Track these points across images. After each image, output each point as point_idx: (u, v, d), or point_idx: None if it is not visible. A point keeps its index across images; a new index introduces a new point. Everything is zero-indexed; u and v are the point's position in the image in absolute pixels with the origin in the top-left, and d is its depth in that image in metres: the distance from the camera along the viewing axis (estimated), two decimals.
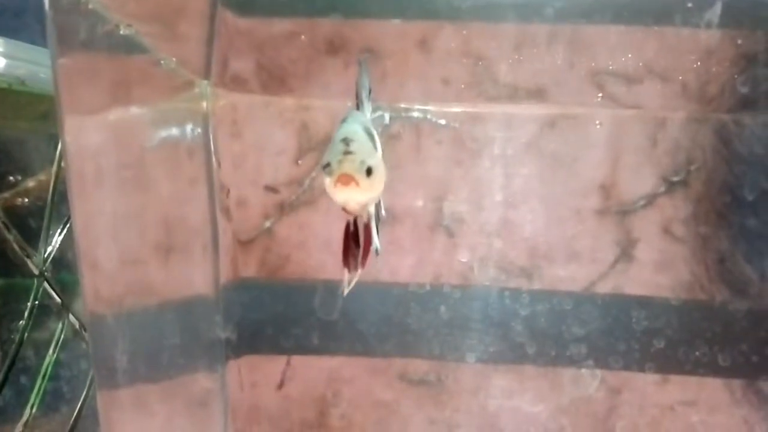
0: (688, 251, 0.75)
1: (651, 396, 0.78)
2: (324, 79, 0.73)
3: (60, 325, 0.81)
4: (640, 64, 0.71)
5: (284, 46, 0.72)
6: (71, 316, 0.82)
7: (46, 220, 0.79)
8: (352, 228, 0.54)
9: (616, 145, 0.74)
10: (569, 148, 0.75)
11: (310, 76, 0.74)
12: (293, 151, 0.77)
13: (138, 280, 0.69)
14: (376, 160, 0.49)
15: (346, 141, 0.48)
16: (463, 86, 0.74)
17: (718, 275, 0.75)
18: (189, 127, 0.73)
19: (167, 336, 0.73)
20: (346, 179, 0.46)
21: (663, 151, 0.74)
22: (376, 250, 0.55)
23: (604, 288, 0.77)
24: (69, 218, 0.77)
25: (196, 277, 0.76)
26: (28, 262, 0.76)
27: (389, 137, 0.75)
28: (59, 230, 0.81)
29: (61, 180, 0.79)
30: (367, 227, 0.54)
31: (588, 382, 0.78)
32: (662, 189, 0.74)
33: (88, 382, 0.81)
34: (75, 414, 0.80)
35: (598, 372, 0.78)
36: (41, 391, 0.76)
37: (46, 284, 0.78)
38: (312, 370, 0.81)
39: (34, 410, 0.75)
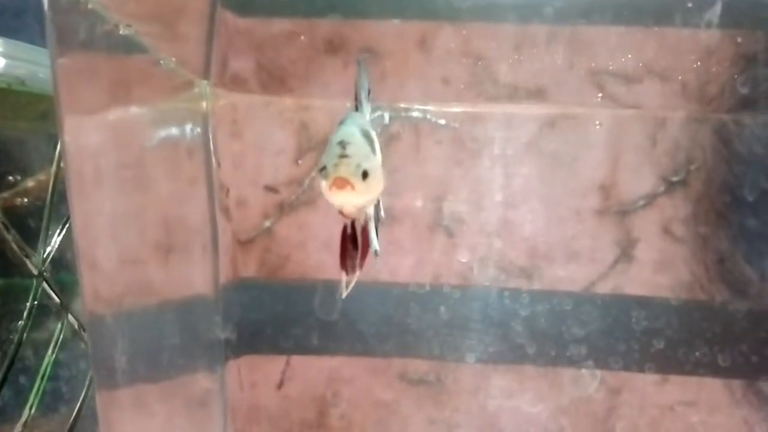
0: (687, 251, 0.75)
1: (651, 396, 0.78)
2: (324, 78, 0.73)
3: (59, 325, 0.80)
4: (640, 64, 0.71)
5: (284, 46, 0.72)
6: (70, 316, 0.81)
7: (45, 220, 0.79)
8: (350, 230, 0.53)
9: (616, 145, 0.74)
10: (569, 148, 0.75)
11: (310, 75, 0.74)
12: (293, 151, 0.77)
13: (137, 280, 0.69)
14: (373, 163, 0.49)
15: (342, 144, 0.48)
16: (462, 86, 0.73)
17: (718, 275, 0.75)
18: (189, 127, 0.73)
19: (167, 336, 0.73)
20: (341, 183, 0.46)
21: (663, 151, 0.74)
22: (375, 252, 0.55)
23: (604, 288, 0.76)
24: (68, 218, 0.77)
25: (195, 277, 0.76)
26: (27, 262, 0.76)
27: (389, 137, 0.75)
28: (58, 230, 0.81)
29: (60, 180, 0.79)
30: (365, 229, 0.54)
31: (588, 383, 0.78)
32: (662, 189, 0.74)
33: (87, 383, 0.81)
34: (74, 414, 0.80)
35: (598, 372, 0.78)
36: (40, 392, 0.76)
37: (45, 284, 0.78)
38: (312, 370, 0.81)
39: (33, 410, 0.75)
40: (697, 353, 0.75)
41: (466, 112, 0.75)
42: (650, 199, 0.75)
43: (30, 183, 0.79)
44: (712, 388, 0.76)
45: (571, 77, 0.72)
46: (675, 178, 0.74)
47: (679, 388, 0.77)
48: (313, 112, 0.76)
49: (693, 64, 0.70)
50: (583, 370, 0.78)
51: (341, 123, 0.52)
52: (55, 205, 0.80)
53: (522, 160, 0.75)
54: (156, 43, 0.67)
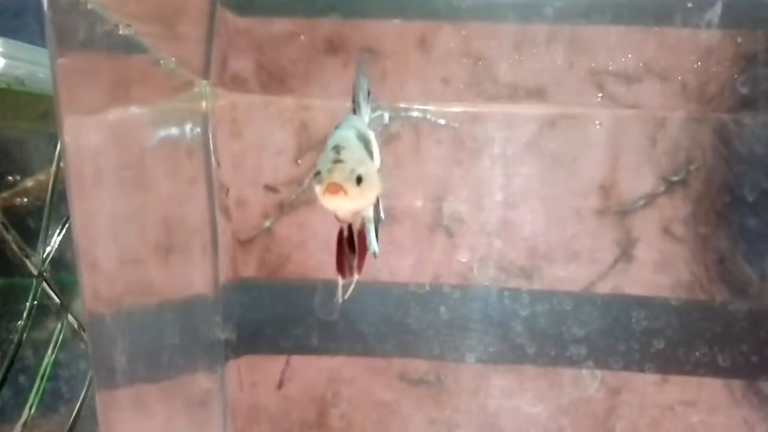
0: (687, 251, 0.75)
1: (651, 396, 0.78)
2: (323, 78, 0.73)
3: (59, 326, 0.80)
4: (640, 63, 0.71)
5: (284, 46, 0.72)
6: (70, 316, 0.81)
7: (45, 220, 0.79)
8: (346, 233, 0.53)
9: (616, 144, 0.74)
10: (569, 147, 0.75)
11: (310, 75, 0.74)
12: (293, 151, 0.76)
13: (137, 280, 0.69)
14: (368, 167, 0.49)
15: (336, 149, 0.48)
16: (462, 86, 0.73)
17: (718, 275, 0.75)
18: (188, 127, 0.73)
19: (166, 336, 0.73)
20: (334, 188, 0.46)
21: (663, 151, 0.74)
22: (374, 253, 0.55)
23: (604, 288, 0.76)
24: (68, 218, 0.77)
25: (195, 277, 0.76)
26: (27, 262, 0.76)
27: (389, 137, 0.75)
28: (58, 230, 0.81)
29: (60, 180, 0.79)
30: (362, 233, 0.53)
31: (588, 383, 0.78)
32: (662, 189, 0.74)
33: (87, 383, 0.81)
34: (74, 414, 0.80)
35: (598, 372, 0.78)
36: (40, 392, 0.76)
37: (45, 284, 0.78)
38: (312, 370, 0.81)
39: (32, 410, 0.75)
40: (697, 353, 0.75)
41: (466, 112, 0.75)
42: (650, 199, 0.75)
43: (30, 183, 0.79)
44: (712, 388, 0.76)
45: (571, 77, 0.72)
46: (675, 178, 0.74)
47: (679, 388, 0.77)
48: (313, 111, 0.76)
49: (693, 64, 0.70)
50: (583, 370, 0.78)
51: (337, 127, 0.52)
52: (54, 205, 0.80)
53: (522, 160, 0.75)
54: (156, 43, 0.67)
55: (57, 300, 0.80)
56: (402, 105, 0.75)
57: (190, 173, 0.74)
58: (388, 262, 0.78)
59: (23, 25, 0.76)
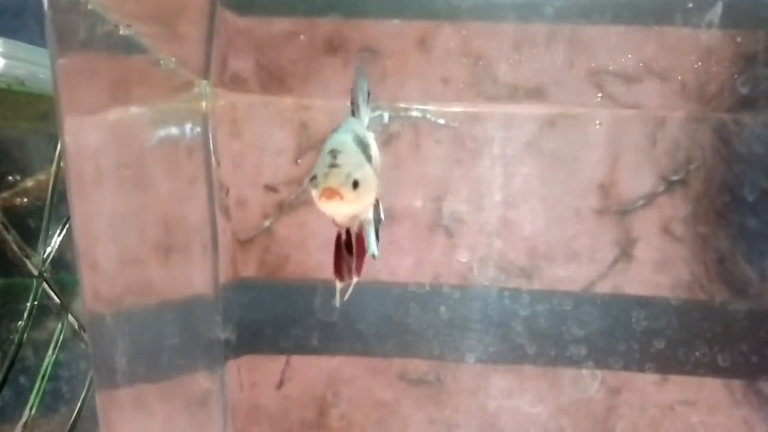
0: (687, 251, 0.75)
1: (651, 396, 0.78)
2: (323, 78, 0.73)
3: (59, 326, 0.80)
4: (640, 63, 0.71)
5: (284, 46, 0.72)
6: (70, 317, 0.81)
7: (45, 221, 0.79)
8: (344, 236, 0.53)
9: (616, 144, 0.74)
10: (569, 147, 0.75)
11: (310, 75, 0.74)
12: (292, 151, 0.77)
13: (137, 280, 0.69)
14: (364, 171, 0.48)
15: (333, 153, 0.48)
16: (462, 86, 0.73)
17: (718, 275, 0.75)
18: (188, 127, 0.73)
19: (167, 336, 0.73)
20: (330, 193, 0.46)
21: (662, 151, 0.74)
22: (373, 255, 0.55)
23: (604, 288, 0.76)
24: (68, 218, 0.77)
25: (195, 277, 0.76)
26: (27, 262, 0.76)
27: (388, 137, 0.75)
28: (58, 230, 0.81)
29: (60, 180, 0.79)
30: (359, 236, 0.53)
31: (588, 383, 0.78)
32: (662, 188, 0.74)
33: (87, 383, 0.81)
34: (74, 414, 0.80)
35: (598, 372, 0.78)
36: (40, 392, 0.76)
37: (45, 284, 0.78)
38: (312, 370, 0.81)
39: (33, 411, 0.75)
40: (697, 353, 0.75)
41: (465, 112, 0.75)
42: (650, 199, 0.75)
43: (30, 183, 0.79)
44: (712, 388, 0.76)
45: (571, 77, 0.72)
46: (675, 178, 0.74)
47: (679, 388, 0.77)
48: (313, 111, 0.76)
49: (693, 64, 0.70)
50: (583, 370, 0.78)
51: (335, 130, 0.52)
52: (55, 205, 0.80)
53: (522, 160, 0.75)
54: (156, 43, 0.67)
55: (57, 300, 0.80)
56: (402, 105, 0.75)
57: (190, 173, 0.74)
58: (388, 262, 0.78)
59: (23, 25, 0.76)
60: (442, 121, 0.75)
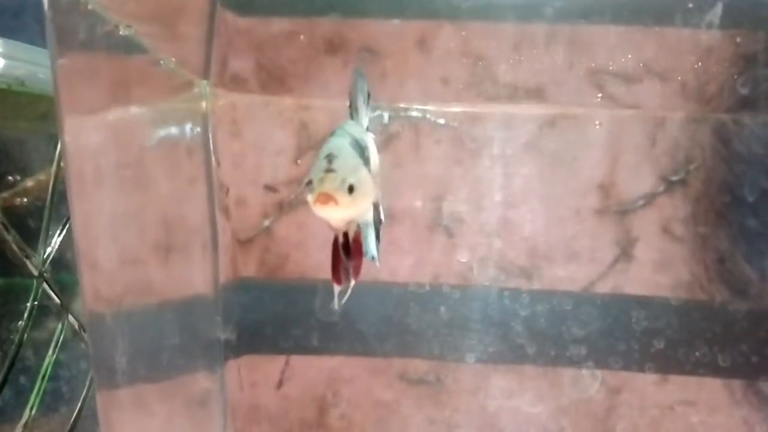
0: (687, 251, 0.75)
1: (651, 396, 0.78)
2: (323, 78, 0.73)
3: (59, 326, 0.80)
4: (640, 64, 0.71)
5: (283, 46, 0.72)
6: (71, 317, 0.81)
7: (45, 221, 0.79)
8: (342, 239, 0.53)
9: (616, 144, 0.74)
10: (569, 147, 0.75)
11: (310, 75, 0.74)
12: (292, 151, 0.77)
13: (137, 280, 0.69)
14: (360, 175, 0.48)
15: (329, 158, 0.48)
16: (462, 86, 0.74)
17: (718, 275, 0.75)
18: (188, 127, 0.73)
19: (167, 336, 0.73)
20: (325, 198, 0.46)
21: (662, 151, 0.74)
22: (372, 258, 0.55)
23: (604, 288, 0.76)
24: (68, 218, 0.77)
25: (195, 277, 0.76)
26: (28, 262, 0.76)
27: (388, 137, 0.75)
28: (58, 230, 0.81)
29: (60, 180, 0.79)
30: (357, 239, 0.53)
31: (588, 383, 0.78)
32: (661, 188, 0.74)
33: (87, 383, 0.81)
34: (75, 414, 0.80)
35: (598, 372, 0.78)
36: (41, 392, 0.76)
37: (45, 284, 0.78)
38: (311, 370, 0.81)
39: (33, 411, 0.75)
40: (697, 353, 0.75)
41: (465, 112, 0.75)
42: (650, 199, 0.75)
43: (30, 183, 0.79)
44: (712, 388, 0.76)
45: (571, 77, 0.72)
46: (674, 178, 0.74)
47: (679, 388, 0.77)
48: (313, 111, 0.76)
49: (692, 64, 0.70)
50: (583, 370, 0.78)
51: (332, 134, 0.52)
52: (55, 205, 0.80)
53: (522, 160, 0.75)
54: (156, 44, 0.67)
55: (57, 300, 0.80)
56: (401, 105, 0.75)
57: (190, 173, 0.74)
58: (388, 262, 0.78)
59: (23, 25, 0.76)
60: (442, 121, 0.75)
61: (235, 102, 0.75)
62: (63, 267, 0.81)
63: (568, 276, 0.77)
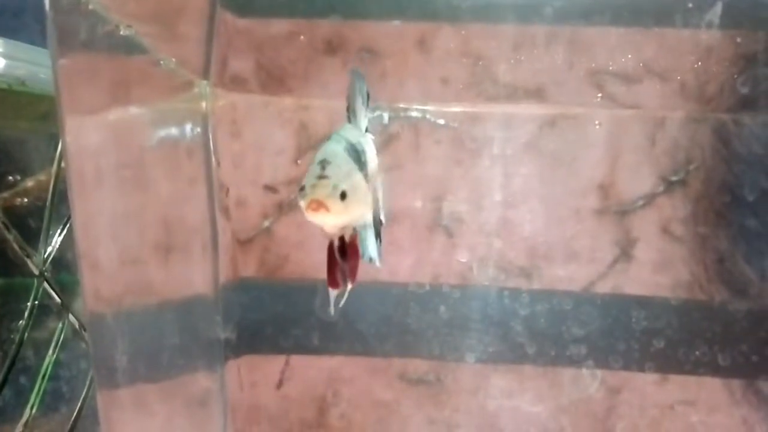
0: (687, 251, 0.75)
1: (651, 396, 0.78)
2: (323, 79, 0.73)
3: (60, 325, 0.81)
4: (640, 64, 0.71)
5: (283, 46, 0.72)
6: (71, 316, 0.82)
7: (45, 220, 0.79)
8: (338, 242, 0.53)
9: (615, 144, 0.74)
10: (568, 147, 0.75)
11: (309, 76, 0.74)
12: (292, 151, 0.77)
13: (138, 280, 0.69)
14: (353, 182, 0.48)
15: (322, 164, 0.47)
16: (462, 86, 0.74)
17: (718, 275, 0.75)
18: (188, 127, 0.73)
19: (167, 336, 0.73)
20: (316, 205, 0.46)
21: (662, 151, 0.74)
22: (370, 260, 0.55)
23: (604, 288, 0.76)
24: (69, 218, 0.77)
25: (195, 277, 0.76)
26: (28, 262, 0.76)
27: (388, 137, 0.75)
28: (59, 230, 0.81)
29: (61, 180, 0.79)
30: (353, 242, 0.53)
31: (588, 382, 0.78)
32: (661, 189, 0.74)
33: (87, 382, 0.81)
34: (75, 414, 0.80)
35: (598, 372, 0.78)
36: (41, 391, 0.76)
37: (46, 284, 0.78)
38: (311, 370, 0.81)
39: (33, 410, 0.75)
40: (696, 353, 0.75)
41: (465, 112, 0.75)
42: (649, 199, 0.75)
43: (30, 183, 0.79)
44: (711, 387, 0.76)
45: (571, 77, 0.72)
46: (674, 178, 0.74)
47: (678, 387, 0.77)
48: (313, 112, 0.76)
49: (692, 64, 0.70)
50: (583, 370, 0.78)
51: (328, 139, 0.51)
52: (55, 205, 0.80)
53: (521, 160, 0.75)
54: (156, 44, 0.67)
55: (58, 300, 0.80)
56: (401, 105, 0.75)
57: (190, 173, 0.74)
58: (388, 262, 0.77)
59: (23, 25, 0.76)
60: (441, 122, 0.75)
61: (235, 102, 0.75)
62: (63, 266, 0.81)
63: (567, 276, 0.77)
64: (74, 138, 0.59)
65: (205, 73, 0.73)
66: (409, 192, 0.76)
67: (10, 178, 0.77)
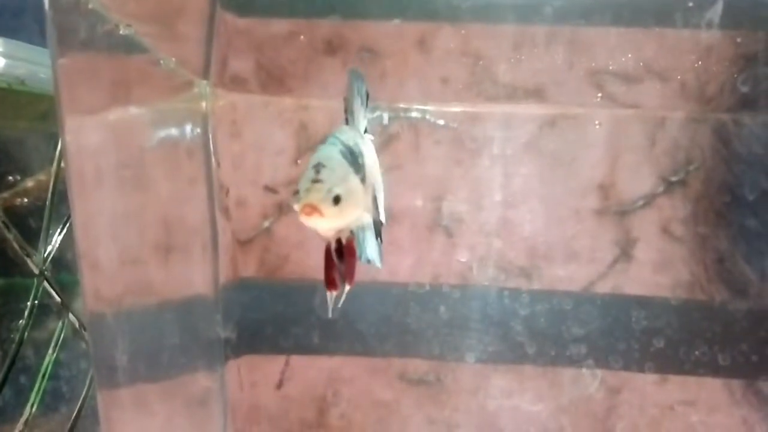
0: (687, 251, 0.75)
1: (651, 396, 0.78)
2: (323, 79, 0.73)
3: (60, 325, 0.81)
4: (640, 64, 0.71)
5: (283, 47, 0.72)
6: (71, 316, 0.82)
7: (45, 220, 0.79)
8: (334, 244, 0.53)
9: (616, 144, 0.74)
10: (568, 147, 0.75)
11: (309, 76, 0.74)
12: (292, 151, 0.77)
13: (138, 280, 0.69)
14: (348, 186, 0.48)
15: (316, 168, 0.47)
16: (462, 86, 0.74)
17: (718, 275, 0.75)
18: (188, 127, 0.73)
19: (167, 336, 0.73)
20: (309, 209, 0.46)
21: (662, 151, 0.74)
22: (368, 261, 0.55)
23: (604, 288, 0.76)
24: (69, 218, 0.77)
25: (195, 277, 0.76)
26: (28, 261, 0.76)
27: (388, 137, 0.75)
28: (59, 230, 0.81)
29: (60, 180, 0.79)
30: (349, 244, 0.53)
31: (588, 382, 0.78)
32: (661, 189, 0.74)
33: (87, 382, 0.81)
34: (75, 414, 0.80)
35: (598, 372, 0.78)
36: (41, 391, 0.76)
37: (46, 284, 0.78)
38: (311, 370, 0.81)
39: (33, 410, 0.75)
40: (696, 353, 0.75)
41: (465, 112, 0.75)
42: (649, 199, 0.75)
43: (30, 183, 0.79)
44: (711, 387, 0.76)
45: (571, 77, 0.72)
46: (674, 178, 0.74)
47: (678, 387, 0.77)
48: (313, 112, 0.76)
49: (692, 64, 0.70)
50: (583, 370, 0.78)
51: (323, 142, 0.51)
52: (55, 204, 0.80)
53: (521, 160, 0.75)
54: (156, 43, 0.67)
55: (58, 299, 0.80)
56: (401, 105, 0.75)
57: (190, 173, 0.74)
58: (388, 262, 0.77)
59: (23, 25, 0.76)
60: (441, 122, 0.75)
61: (235, 102, 0.75)
62: (63, 266, 0.81)
63: (567, 276, 0.77)
64: (74, 138, 0.59)
65: (205, 73, 0.73)
66: (409, 192, 0.76)
67: (10, 178, 0.77)
